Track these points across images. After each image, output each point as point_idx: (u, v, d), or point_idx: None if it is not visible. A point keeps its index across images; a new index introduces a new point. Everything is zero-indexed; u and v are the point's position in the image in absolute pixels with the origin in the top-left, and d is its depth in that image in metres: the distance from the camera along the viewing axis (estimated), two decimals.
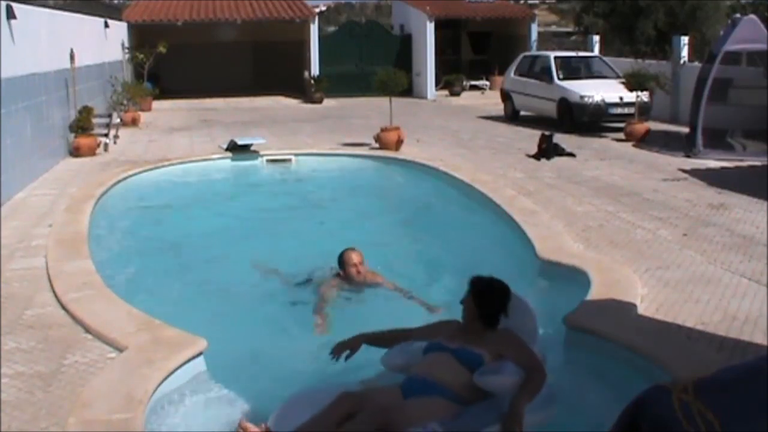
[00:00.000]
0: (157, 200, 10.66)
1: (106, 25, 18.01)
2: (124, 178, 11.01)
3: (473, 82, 25.95)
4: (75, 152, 12.81)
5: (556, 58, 17.45)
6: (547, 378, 4.07)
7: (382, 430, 3.74)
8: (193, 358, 4.69)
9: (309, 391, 4.34)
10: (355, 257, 6.45)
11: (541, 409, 4.06)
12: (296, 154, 13.12)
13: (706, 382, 1.33)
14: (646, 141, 13.97)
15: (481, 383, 4.03)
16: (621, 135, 14.57)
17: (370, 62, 23.30)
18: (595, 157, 12.64)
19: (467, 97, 24.29)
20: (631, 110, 14.78)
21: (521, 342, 4.20)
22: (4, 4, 9.76)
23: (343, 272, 6.48)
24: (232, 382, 4.64)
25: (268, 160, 12.85)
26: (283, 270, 7.12)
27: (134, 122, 17.44)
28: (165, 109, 21.16)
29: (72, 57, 13.23)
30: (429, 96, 24.17)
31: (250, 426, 3.91)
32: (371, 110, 19.01)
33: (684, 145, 13.03)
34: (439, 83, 24.97)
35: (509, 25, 26.44)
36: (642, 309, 5.47)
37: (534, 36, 25.49)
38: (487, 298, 4.28)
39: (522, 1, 37.93)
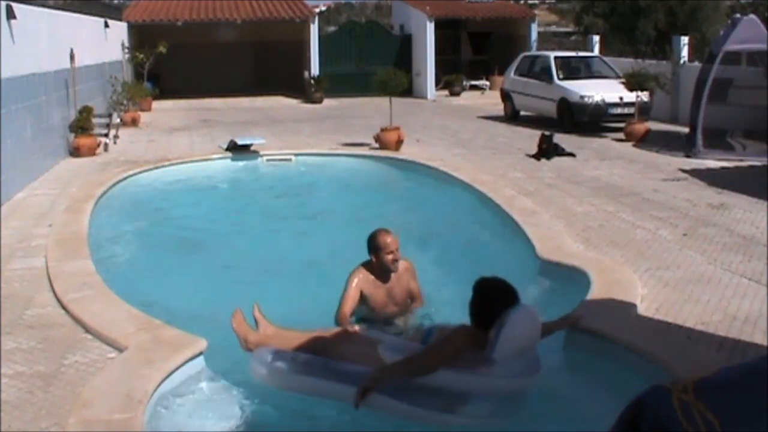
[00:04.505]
0: (157, 200, 10.65)
1: (106, 25, 18.01)
2: (124, 178, 11.01)
3: (473, 82, 25.94)
4: (75, 152, 12.81)
5: (556, 58, 17.45)
6: (427, 371, 4.09)
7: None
8: (193, 358, 4.69)
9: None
10: (391, 242, 5.40)
11: (523, 374, 4.19)
12: (296, 154, 13.12)
13: (706, 382, 1.32)
14: (646, 141, 13.98)
15: (381, 354, 4.28)
16: (621, 135, 14.57)
17: (370, 62, 23.31)
18: (595, 157, 12.65)
19: (467, 97, 24.29)
20: (631, 110, 14.78)
21: (447, 335, 4.25)
22: (4, 4, 9.76)
23: (375, 259, 5.43)
24: (232, 382, 4.63)
25: (268, 160, 12.85)
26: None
27: (134, 122, 17.44)
28: (165, 109, 21.16)
29: (72, 57, 13.23)
30: (429, 96, 24.17)
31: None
32: (371, 110, 19.02)
33: (684, 145, 13.03)
34: (439, 83, 24.96)
35: (509, 25, 26.44)
36: (642, 309, 5.47)
37: (534, 36, 25.49)
38: (473, 299, 4.29)
39: (522, 1, 37.93)
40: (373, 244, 5.43)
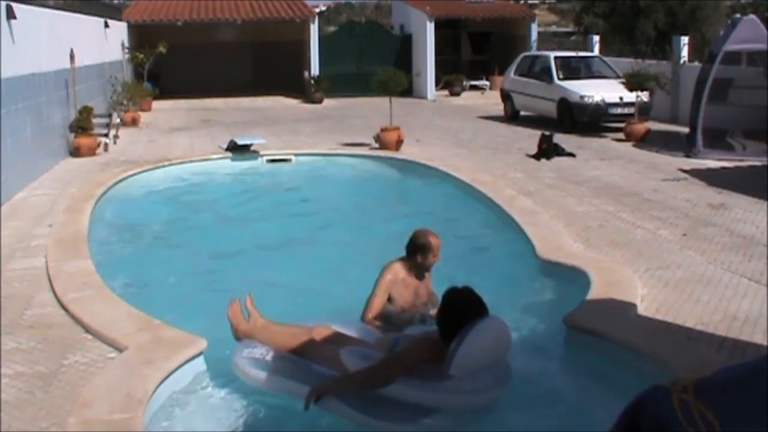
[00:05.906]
0: (157, 200, 10.65)
1: (106, 25, 18.00)
2: (124, 178, 11.01)
3: (473, 82, 25.93)
4: (75, 152, 12.81)
5: (556, 58, 17.44)
6: (384, 383, 4.03)
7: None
8: (193, 358, 4.69)
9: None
10: (437, 245, 5.38)
11: (493, 388, 4.11)
12: (296, 154, 13.12)
13: (706, 382, 1.32)
14: (646, 141, 13.98)
15: (342, 357, 4.24)
16: (621, 135, 14.57)
17: (370, 62, 23.28)
18: (595, 157, 12.65)
19: (467, 97, 24.28)
20: (631, 110, 14.78)
21: (408, 347, 4.21)
22: (4, 4, 9.76)
23: (421, 259, 5.37)
24: (232, 382, 4.63)
25: (268, 160, 12.85)
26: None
27: (134, 122, 17.44)
28: (165, 109, 21.16)
29: (72, 57, 13.23)
30: (429, 96, 24.16)
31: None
32: (371, 110, 19.01)
33: (684, 145, 13.03)
34: (439, 83, 24.95)
35: (509, 25, 26.44)
36: (642, 309, 5.47)
37: (534, 36, 25.48)
38: (438, 309, 4.24)
39: (522, 1, 37.92)
40: (421, 243, 5.38)
